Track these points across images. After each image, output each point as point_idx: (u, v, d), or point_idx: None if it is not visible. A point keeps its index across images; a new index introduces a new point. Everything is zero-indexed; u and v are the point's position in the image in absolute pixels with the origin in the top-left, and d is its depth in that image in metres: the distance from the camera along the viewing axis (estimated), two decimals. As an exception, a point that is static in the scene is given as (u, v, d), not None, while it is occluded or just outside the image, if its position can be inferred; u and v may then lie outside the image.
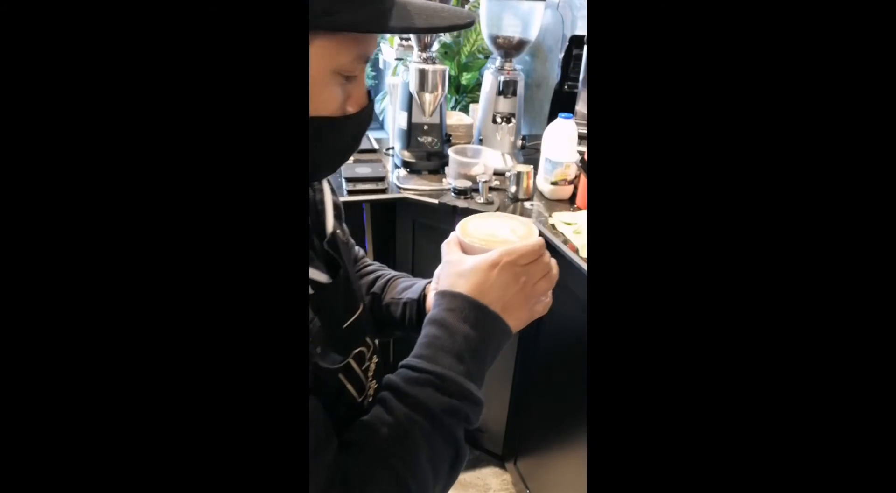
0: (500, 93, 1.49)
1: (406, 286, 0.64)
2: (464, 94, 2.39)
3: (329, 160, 0.47)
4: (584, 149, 1.39)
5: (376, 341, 0.58)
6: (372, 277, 0.68)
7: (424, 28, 0.42)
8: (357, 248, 0.70)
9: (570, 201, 1.36)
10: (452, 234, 0.55)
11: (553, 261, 0.52)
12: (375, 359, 0.57)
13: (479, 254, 0.49)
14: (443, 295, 0.47)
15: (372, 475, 0.41)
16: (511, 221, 0.56)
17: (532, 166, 1.37)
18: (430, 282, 0.60)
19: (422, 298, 0.61)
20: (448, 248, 0.53)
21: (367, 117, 0.46)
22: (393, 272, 0.68)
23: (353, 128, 0.45)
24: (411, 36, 1.37)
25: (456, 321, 0.45)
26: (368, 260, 0.72)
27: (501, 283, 0.46)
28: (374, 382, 0.56)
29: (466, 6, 2.30)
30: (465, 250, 0.52)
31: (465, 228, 0.54)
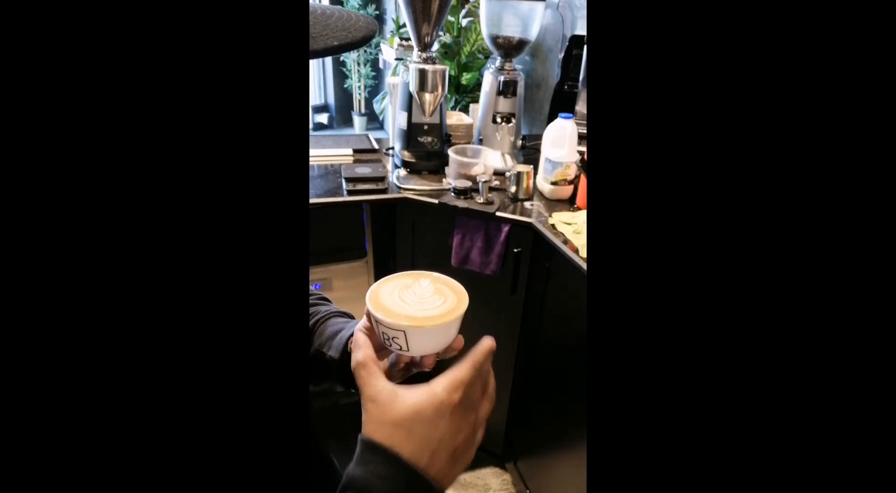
0: (500, 93, 1.49)
1: (332, 333, 0.54)
2: (464, 94, 2.40)
3: None
4: (584, 149, 1.39)
5: None
6: None
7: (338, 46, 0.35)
8: None
9: (570, 201, 1.37)
10: (359, 337, 0.40)
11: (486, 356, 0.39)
12: None
13: (399, 329, 0.38)
14: (372, 450, 0.34)
15: None
16: (425, 277, 0.43)
17: (532, 166, 1.37)
18: (353, 334, 0.44)
19: (344, 356, 0.50)
20: (367, 376, 0.37)
21: None
22: (327, 308, 0.58)
23: None
24: (411, 36, 1.37)
25: None
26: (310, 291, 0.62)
27: (451, 431, 0.35)
28: None
29: (466, 6, 2.31)
30: (384, 329, 0.39)
31: (378, 301, 0.40)
